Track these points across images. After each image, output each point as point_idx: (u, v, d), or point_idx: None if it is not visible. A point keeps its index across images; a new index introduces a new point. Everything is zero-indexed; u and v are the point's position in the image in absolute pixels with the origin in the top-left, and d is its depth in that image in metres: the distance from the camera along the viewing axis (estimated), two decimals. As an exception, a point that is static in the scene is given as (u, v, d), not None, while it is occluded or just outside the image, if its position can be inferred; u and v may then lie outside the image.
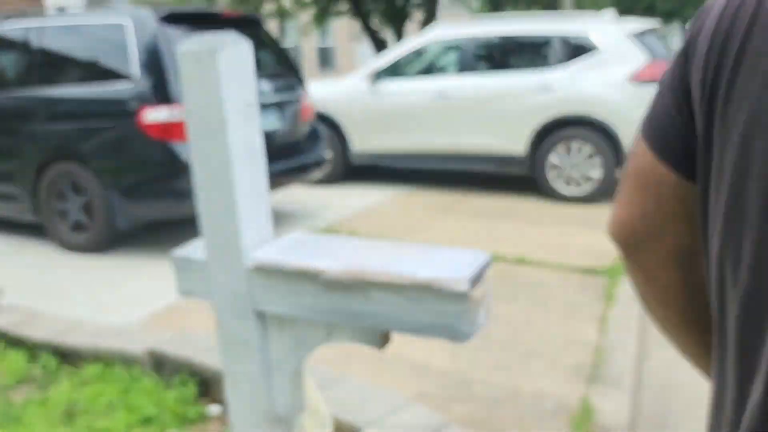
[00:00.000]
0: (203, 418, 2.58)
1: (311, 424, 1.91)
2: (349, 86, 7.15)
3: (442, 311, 1.00)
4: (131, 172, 4.53)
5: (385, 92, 6.92)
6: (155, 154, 4.42)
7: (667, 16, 20.04)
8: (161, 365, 2.78)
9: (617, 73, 5.93)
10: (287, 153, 5.21)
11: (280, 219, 5.83)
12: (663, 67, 6.03)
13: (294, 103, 5.33)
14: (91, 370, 2.91)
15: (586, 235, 5.12)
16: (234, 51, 1.07)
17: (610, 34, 6.07)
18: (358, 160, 7.18)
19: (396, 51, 7.19)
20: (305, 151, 5.49)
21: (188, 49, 1.08)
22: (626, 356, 3.07)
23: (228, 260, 1.20)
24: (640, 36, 6.16)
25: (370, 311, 1.07)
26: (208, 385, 2.67)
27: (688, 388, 2.77)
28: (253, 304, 1.20)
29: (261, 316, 1.22)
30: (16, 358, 3.10)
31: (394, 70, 7.11)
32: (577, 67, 6.07)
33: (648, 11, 19.93)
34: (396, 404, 2.32)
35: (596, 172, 6.08)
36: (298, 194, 6.63)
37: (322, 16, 13.99)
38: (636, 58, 5.94)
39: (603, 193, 6.13)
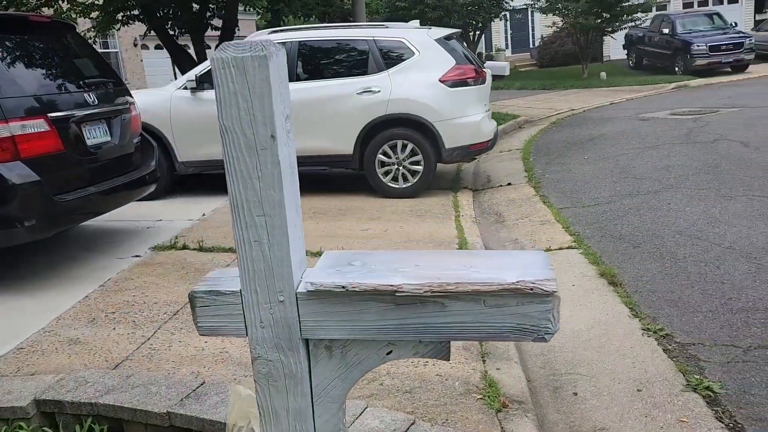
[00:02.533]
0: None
1: None
2: (169, 95, 6.85)
3: (528, 314, 1.02)
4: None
5: (208, 100, 6.74)
6: (-29, 178, 3.86)
7: (435, 24, 21.89)
8: (54, 416, 2.39)
9: (431, 76, 6.45)
10: (121, 168, 4.86)
11: (118, 237, 5.41)
12: (468, 69, 6.73)
13: (122, 114, 4.99)
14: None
15: (422, 225, 5.53)
16: (280, 58, 1.05)
17: (423, 40, 6.58)
18: (185, 171, 6.92)
19: (215, 57, 7.06)
20: (139, 165, 5.16)
21: (228, 56, 0.98)
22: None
23: (273, 287, 1.09)
24: (446, 41, 6.77)
25: (445, 323, 1.05)
26: (122, 429, 2.36)
27: (564, 352, 3.15)
28: (303, 333, 1.12)
29: (309, 345, 1.13)
30: None
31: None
32: (396, 70, 6.49)
33: (418, 19, 21.58)
34: (355, 411, 2.24)
35: (419, 167, 6.57)
36: (126, 211, 6.18)
37: (108, 22, 12.93)
38: (445, 61, 6.53)
39: (426, 186, 6.65)
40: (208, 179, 7.67)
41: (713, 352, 3.01)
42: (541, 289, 1.03)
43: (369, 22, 13.88)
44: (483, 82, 6.71)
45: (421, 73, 6.45)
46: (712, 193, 5.68)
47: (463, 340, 1.08)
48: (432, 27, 7.20)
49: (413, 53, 6.51)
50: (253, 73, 0.99)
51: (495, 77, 11.46)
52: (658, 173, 6.70)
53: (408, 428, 2.11)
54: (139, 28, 15.06)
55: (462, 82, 6.48)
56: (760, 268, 3.93)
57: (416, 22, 7.46)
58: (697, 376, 2.79)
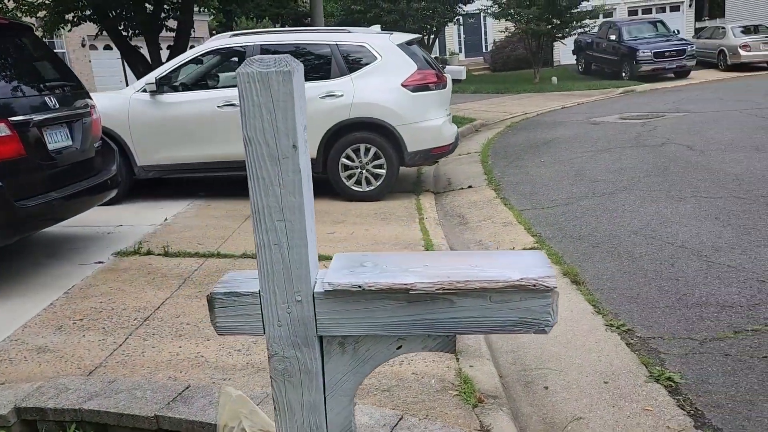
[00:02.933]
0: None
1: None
2: (128, 98, 6.75)
3: (530, 308, 1.11)
4: None
5: (169, 103, 6.67)
6: None
7: (390, 27, 22.04)
8: (36, 423, 2.35)
9: (393, 80, 6.54)
10: (83, 173, 4.78)
11: (78, 244, 5.30)
12: (429, 74, 6.85)
13: (83, 117, 4.90)
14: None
15: (387, 227, 5.61)
16: (300, 73, 1.11)
17: (385, 45, 6.66)
18: (145, 175, 6.83)
19: (175, 60, 6.98)
20: (100, 170, 5.08)
21: (253, 70, 1.05)
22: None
23: (291, 288, 1.15)
24: (408, 46, 6.88)
25: (453, 318, 1.13)
26: None
27: (532, 348, 3.27)
28: (319, 330, 1.17)
29: (323, 342, 1.19)
30: None
31: (177, 80, 6.91)
32: (359, 74, 6.56)
33: (373, 22, 21.72)
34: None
35: (382, 171, 6.65)
36: (85, 217, 6.05)
37: (56, 22, 12.55)
38: (407, 66, 6.63)
39: (389, 189, 6.74)
40: (168, 184, 7.59)
41: (672, 344, 3.18)
42: (543, 285, 1.12)
43: (325, 25, 13.91)
44: (444, 86, 6.84)
45: (383, 77, 6.54)
46: (663, 195, 5.96)
47: (470, 333, 1.17)
48: (394, 32, 7.30)
49: (376, 58, 6.60)
50: (277, 88, 1.05)
51: (453, 81, 11.66)
52: (611, 176, 6.97)
53: (397, 423, 2.18)
54: (87, 28, 14.70)
55: (424, 87, 6.60)
56: (711, 266, 4.16)
57: (378, 27, 7.55)
58: (659, 368, 2.95)
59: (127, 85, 20.85)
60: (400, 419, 2.21)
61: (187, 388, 2.47)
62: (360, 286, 1.13)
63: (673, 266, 4.20)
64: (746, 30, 20.86)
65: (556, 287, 1.12)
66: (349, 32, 6.97)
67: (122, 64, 19.86)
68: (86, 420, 2.27)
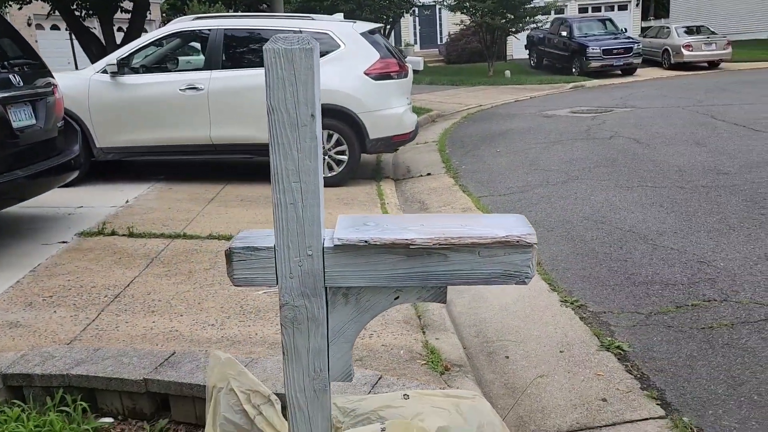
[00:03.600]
0: (99, 432, 2.33)
1: (257, 402, 2.12)
2: (87, 79, 6.66)
3: (512, 261, 1.27)
4: None
5: (130, 84, 6.62)
6: None
7: (347, 16, 22.04)
8: (22, 389, 2.40)
9: (356, 68, 6.67)
10: (46, 152, 4.75)
11: (39, 224, 5.25)
12: (392, 63, 6.99)
13: (47, 96, 4.86)
14: None
15: (350, 212, 5.76)
16: (317, 50, 1.24)
17: (348, 33, 6.78)
18: (104, 157, 6.76)
19: (137, 42, 6.92)
20: (63, 150, 5.04)
21: (279, 47, 1.18)
22: (438, 306, 3.52)
23: (304, 243, 1.28)
24: (370, 34, 7.01)
25: (446, 271, 1.27)
26: (93, 399, 2.41)
27: (493, 323, 3.48)
28: (326, 282, 1.30)
29: (329, 292, 1.32)
30: None
31: (138, 62, 6.86)
32: (322, 62, 6.65)
33: (330, 11, 21.69)
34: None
35: (344, 157, 6.78)
36: (44, 197, 5.97)
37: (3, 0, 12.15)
38: (370, 55, 6.76)
39: (351, 176, 6.87)
40: (128, 166, 7.52)
41: (621, 318, 3.45)
42: (525, 242, 1.29)
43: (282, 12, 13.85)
44: (405, 75, 7.00)
45: (346, 65, 6.65)
46: (612, 184, 6.29)
47: (460, 285, 1.32)
48: (357, 21, 7.41)
49: (339, 46, 6.70)
50: (299, 63, 1.18)
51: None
52: (563, 166, 7.29)
53: (377, 381, 2.34)
54: (34, 6, 14.24)
55: (386, 75, 6.74)
56: (655, 248, 4.46)
57: (340, 15, 7.65)
58: (609, 338, 3.20)
59: (76, 66, 20.25)
60: (380, 378, 2.37)
61: (173, 354, 2.57)
62: (366, 241, 1.28)
63: (621, 249, 4.49)
64: (689, 30, 21.75)
65: (536, 243, 1.29)
66: (313, 19, 7.05)
67: (71, 44, 19.30)
68: (74, 385, 2.35)
